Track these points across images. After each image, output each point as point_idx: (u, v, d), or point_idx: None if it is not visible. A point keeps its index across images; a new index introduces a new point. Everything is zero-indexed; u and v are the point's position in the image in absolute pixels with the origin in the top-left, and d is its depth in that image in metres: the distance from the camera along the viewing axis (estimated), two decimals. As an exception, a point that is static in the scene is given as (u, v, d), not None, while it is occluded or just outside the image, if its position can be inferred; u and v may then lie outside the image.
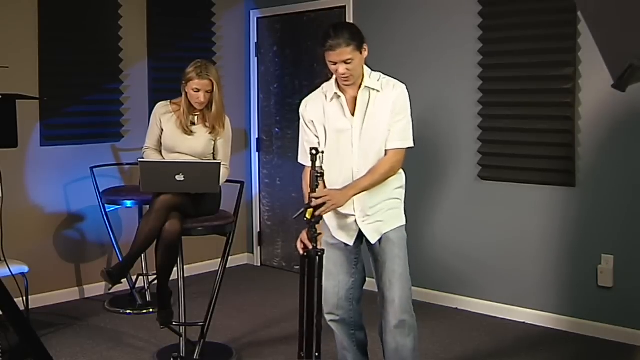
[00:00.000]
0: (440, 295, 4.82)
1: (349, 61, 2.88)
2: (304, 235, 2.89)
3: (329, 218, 3.07)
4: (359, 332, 3.20)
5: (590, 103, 4.22)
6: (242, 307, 4.92)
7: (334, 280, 3.07)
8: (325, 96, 3.05)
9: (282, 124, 5.93)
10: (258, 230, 6.17)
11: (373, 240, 3.03)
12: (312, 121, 3.07)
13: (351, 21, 5.31)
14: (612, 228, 4.20)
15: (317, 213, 2.82)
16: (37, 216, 4.89)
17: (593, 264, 4.26)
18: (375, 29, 5.00)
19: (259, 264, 6.16)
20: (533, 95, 4.40)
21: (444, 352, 4.04)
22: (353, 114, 2.99)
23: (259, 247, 6.18)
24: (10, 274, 3.65)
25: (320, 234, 2.87)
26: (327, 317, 3.10)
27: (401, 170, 3.11)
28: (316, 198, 2.82)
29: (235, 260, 5.96)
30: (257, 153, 6.14)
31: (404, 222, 3.10)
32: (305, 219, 2.83)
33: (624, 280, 4.17)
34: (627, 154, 4.13)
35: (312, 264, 2.81)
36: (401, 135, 3.00)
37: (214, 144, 3.89)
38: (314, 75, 5.65)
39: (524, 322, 4.52)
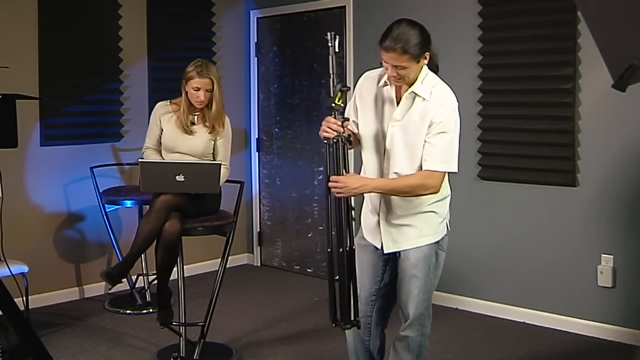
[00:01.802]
0: (440, 295, 4.81)
1: (400, 67, 2.70)
2: (329, 119, 2.74)
3: (363, 217, 3.04)
4: (374, 340, 3.09)
5: (590, 103, 4.22)
6: (242, 307, 4.92)
7: (357, 283, 2.99)
8: (379, 79, 2.90)
9: (282, 124, 5.94)
10: (258, 230, 6.17)
11: (387, 249, 2.92)
12: (355, 97, 2.97)
13: (351, 21, 5.32)
14: (612, 228, 4.20)
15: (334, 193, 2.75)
16: (37, 216, 4.89)
17: (593, 264, 4.27)
18: (375, 29, 4.96)
19: (259, 264, 6.16)
20: (533, 95, 4.40)
21: (444, 352, 4.04)
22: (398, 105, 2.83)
23: (259, 247, 6.18)
24: (10, 274, 3.66)
25: (347, 119, 2.77)
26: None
27: (446, 182, 2.93)
28: (334, 181, 2.73)
29: (235, 260, 5.96)
30: (257, 153, 6.14)
31: (436, 239, 2.90)
32: (333, 104, 2.73)
33: (624, 280, 4.17)
34: (627, 154, 4.13)
35: (338, 150, 2.73)
36: (438, 157, 2.78)
37: (214, 143, 3.89)
38: (314, 75, 5.66)
39: (524, 322, 4.52)
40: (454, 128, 2.82)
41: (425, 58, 2.75)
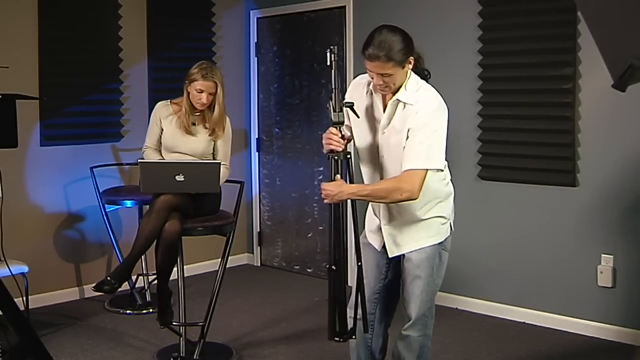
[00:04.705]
0: (440, 295, 4.77)
1: (386, 75, 2.67)
2: (334, 131, 2.74)
3: (367, 218, 3.04)
4: (377, 338, 3.10)
5: (590, 103, 4.22)
6: (242, 307, 4.92)
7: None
8: (368, 86, 2.87)
9: (282, 124, 5.94)
10: (258, 230, 6.17)
11: (390, 253, 2.93)
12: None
13: (351, 21, 5.32)
14: (612, 228, 4.20)
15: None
16: (37, 216, 4.88)
17: (593, 264, 4.27)
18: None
19: (259, 264, 6.16)
20: (533, 95, 4.40)
21: (444, 352, 4.04)
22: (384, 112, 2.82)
23: (259, 247, 6.18)
24: (10, 274, 3.66)
25: (344, 136, 2.76)
26: (348, 312, 3.04)
27: (448, 182, 2.93)
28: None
29: (235, 260, 5.96)
30: (257, 153, 6.14)
31: (439, 240, 2.89)
32: (340, 120, 2.73)
33: (624, 280, 4.17)
34: (627, 153, 4.13)
35: (340, 166, 2.74)
36: (410, 155, 2.69)
37: (214, 144, 3.89)
38: (314, 75, 5.66)
39: (524, 322, 4.52)
40: (428, 129, 2.71)
41: (410, 63, 2.73)
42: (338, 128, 2.76)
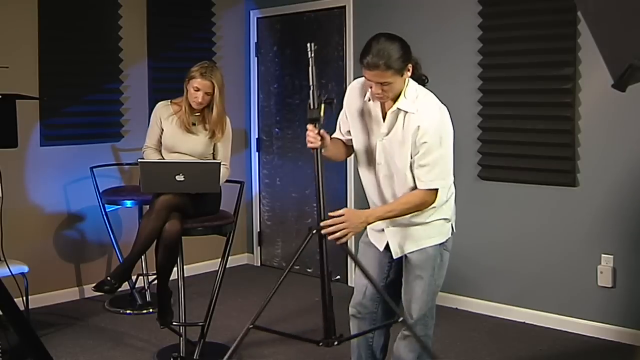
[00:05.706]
0: (440, 295, 4.76)
1: (385, 84, 2.65)
2: (313, 129, 2.76)
3: None
4: (378, 337, 3.11)
5: (590, 103, 4.22)
6: (242, 307, 4.92)
7: (365, 279, 2.99)
8: (364, 91, 2.85)
9: (282, 124, 5.94)
10: (258, 230, 6.17)
11: (395, 254, 2.92)
12: (344, 108, 2.95)
13: (351, 21, 5.32)
14: (612, 228, 4.20)
15: (330, 237, 2.72)
16: (37, 216, 4.88)
17: (593, 264, 4.27)
18: (375, 29, 4.96)
19: (259, 264, 6.16)
20: (533, 95, 4.40)
21: (444, 351, 4.04)
22: (384, 120, 2.81)
23: (259, 247, 6.18)
24: (10, 274, 3.66)
25: (320, 132, 2.76)
26: (350, 310, 3.07)
27: (450, 184, 2.93)
28: (333, 217, 2.71)
29: (235, 260, 5.96)
30: (257, 153, 6.14)
31: (441, 241, 2.90)
32: (314, 116, 2.73)
33: (624, 280, 4.17)
34: (627, 153, 4.13)
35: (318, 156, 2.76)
36: (429, 176, 2.73)
37: (214, 145, 3.90)
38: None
39: (524, 322, 4.52)
40: (440, 142, 2.73)
41: (409, 70, 2.71)
42: (315, 125, 2.76)
